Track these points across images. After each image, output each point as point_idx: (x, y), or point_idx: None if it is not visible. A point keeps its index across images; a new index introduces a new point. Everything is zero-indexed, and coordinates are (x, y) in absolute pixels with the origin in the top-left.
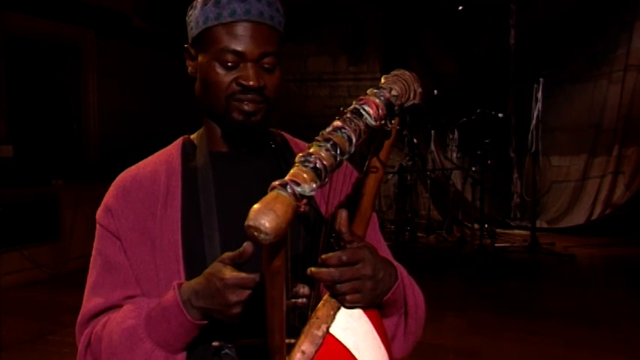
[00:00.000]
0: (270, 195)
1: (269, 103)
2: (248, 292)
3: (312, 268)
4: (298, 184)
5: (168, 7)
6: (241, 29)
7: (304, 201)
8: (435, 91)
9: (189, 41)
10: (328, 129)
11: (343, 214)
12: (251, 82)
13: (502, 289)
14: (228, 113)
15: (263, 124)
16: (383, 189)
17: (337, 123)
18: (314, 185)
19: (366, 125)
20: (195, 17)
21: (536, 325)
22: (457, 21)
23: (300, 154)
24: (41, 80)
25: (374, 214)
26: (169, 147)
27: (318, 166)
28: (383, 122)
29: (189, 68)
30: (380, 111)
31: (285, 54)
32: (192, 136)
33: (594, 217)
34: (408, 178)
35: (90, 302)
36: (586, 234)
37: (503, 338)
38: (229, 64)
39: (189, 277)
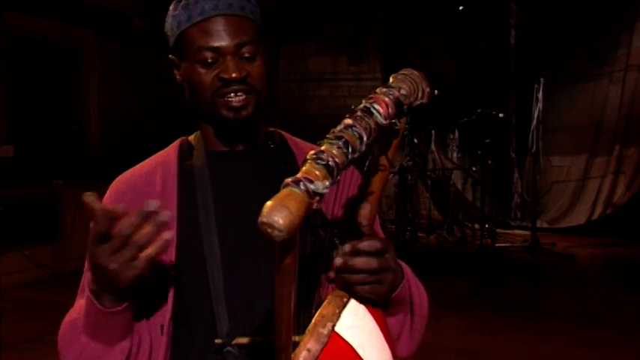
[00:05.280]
0: (284, 192)
1: (256, 92)
2: (122, 258)
3: (341, 258)
4: (311, 182)
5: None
6: (213, 25)
7: (317, 198)
8: (436, 91)
9: (171, 51)
10: (339, 126)
11: (366, 207)
12: (233, 74)
13: (502, 289)
14: (217, 112)
15: (255, 117)
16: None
17: (348, 121)
18: (327, 183)
19: (377, 124)
20: (169, 25)
21: (537, 325)
22: (458, 21)
23: (312, 152)
24: (42, 80)
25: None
26: (166, 149)
27: (330, 163)
28: (393, 121)
29: (177, 77)
30: (390, 110)
31: (285, 54)
32: (189, 137)
33: (595, 217)
34: (409, 178)
35: (76, 303)
36: (587, 234)
37: (503, 338)
38: (208, 60)
39: (180, 277)
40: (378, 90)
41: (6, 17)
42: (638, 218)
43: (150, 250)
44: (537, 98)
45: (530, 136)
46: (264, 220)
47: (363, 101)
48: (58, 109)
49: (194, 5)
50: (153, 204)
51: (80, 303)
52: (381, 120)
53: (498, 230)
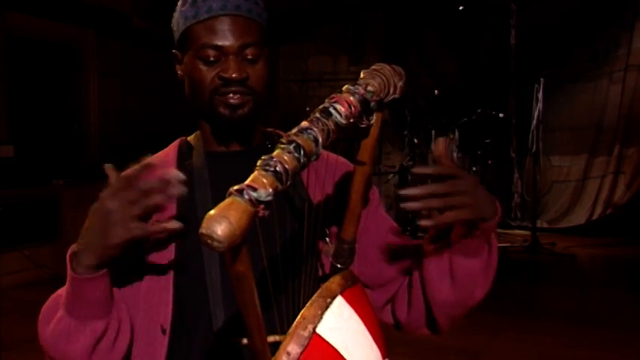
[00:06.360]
0: (226, 201)
1: (255, 94)
2: (125, 200)
3: (402, 190)
4: (255, 190)
5: (169, 7)
6: (219, 24)
7: (261, 206)
8: (436, 91)
9: (175, 46)
10: (294, 130)
11: (440, 142)
12: (233, 75)
13: (502, 289)
14: (214, 109)
15: (251, 118)
16: (384, 189)
17: (304, 123)
18: (270, 190)
19: (336, 124)
20: (176, 21)
21: (537, 325)
22: (458, 21)
23: (263, 157)
24: (42, 80)
25: (375, 190)
26: (166, 149)
27: (278, 169)
28: (356, 120)
29: (178, 73)
30: (352, 109)
31: (285, 54)
32: (189, 138)
33: (595, 217)
34: (409, 178)
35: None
36: (587, 234)
37: (504, 338)
38: (210, 59)
39: (178, 276)
40: (344, 88)
41: (6, 17)
42: (638, 218)
43: (154, 226)
44: (537, 98)
45: (530, 136)
46: (204, 231)
47: (325, 101)
48: (58, 109)
49: (202, 3)
50: (173, 173)
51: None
52: (340, 120)
53: (498, 230)
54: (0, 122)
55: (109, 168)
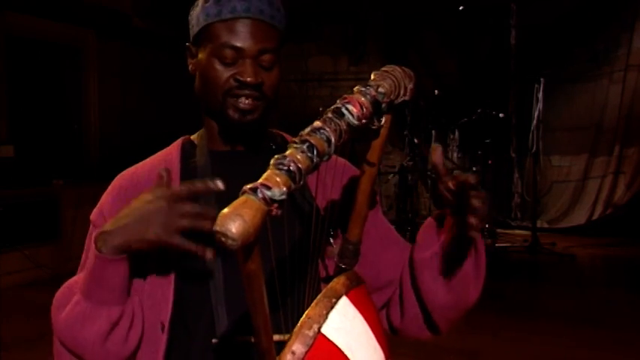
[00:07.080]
0: (240, 199)
1: (266, 100)
2: (180, 208)
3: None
4: (269, 188)
5: (169, 7)
6: (241, 26)
7: (275, 205)
8: (436, 91)
9: (191, 40)
10: (307, 130)
11: (438, 149)
12: (248, 79)
13: (502, 289)
14: (224, 110)
15: (259, 123)
16: (384, 189)
17: (317, 123)
18: (284, 189)
19: (348, 125)
20: (196, 15)
21: (537, 325)
22: (458, 21)
23: (276, 157)
24: (42, 80)
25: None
26: (169, 147)
27: (292, 169)
28: (368, 121)
29: (190, 66)
30: (364, 110)
31: (285, 54)
32: (192, 137)
33: (595, 217)
34: (409, 178)
35: (76, 277)
36: (587, 234)
37: (504, 338)
38: (227, 59)
39: (178, 272)
40: (355, 89)
41: (6, 17)
42: (638, 218)
43: (191, 245)
44: (537, 98)
45: (530, 136)
46: (218, 228)
47: (338, 101)
48: (58, 109)
49: (226, 2)
50: (220, 184)
51: (80, 276)
52: (353, 121)
53: (498, 230)
54: (0, 122)
55: (163, 171)
